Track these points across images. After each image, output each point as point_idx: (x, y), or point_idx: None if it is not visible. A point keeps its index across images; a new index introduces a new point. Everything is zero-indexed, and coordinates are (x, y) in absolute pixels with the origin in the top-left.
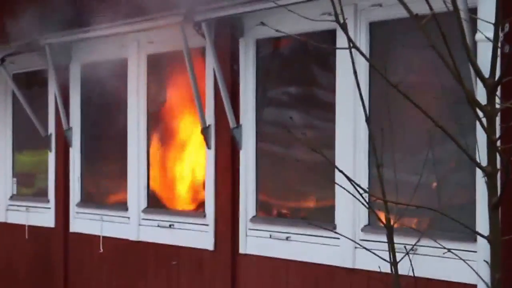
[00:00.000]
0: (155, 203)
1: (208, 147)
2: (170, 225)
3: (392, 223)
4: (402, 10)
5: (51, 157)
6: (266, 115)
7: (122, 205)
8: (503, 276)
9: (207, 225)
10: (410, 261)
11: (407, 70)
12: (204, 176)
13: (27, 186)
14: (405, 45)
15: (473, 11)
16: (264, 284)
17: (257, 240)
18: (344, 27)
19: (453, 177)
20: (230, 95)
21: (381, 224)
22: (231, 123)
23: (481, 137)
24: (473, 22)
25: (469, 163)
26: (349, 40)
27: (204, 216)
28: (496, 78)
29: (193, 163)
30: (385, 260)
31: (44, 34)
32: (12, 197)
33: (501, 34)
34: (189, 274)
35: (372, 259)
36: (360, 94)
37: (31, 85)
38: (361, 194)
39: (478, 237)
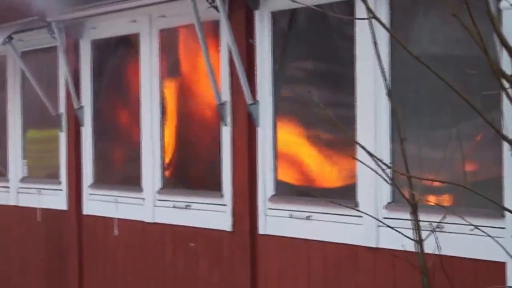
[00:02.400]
0: (171, 184)
1: (224, 124)
2: (186, 206)
3: (416, 199)
4: None
5: (62, 137)
6: (284, 91)
7: (137, 186)
8: None
9: (224, 205)
10: (436, 239)
11: (429, 41)
12: (220, 154)
13: (38, 167)
14: (427, 14)
15: None
16: (284, 265)
17: (277, 220)
18: None
19: (479, 151)
20: (246, 70)
21: (405, 201)
22: (248, 99)
23: (508, 109)
24: None
25: (495, 136)
26: (368, 10)
27: (221, 196)
28: None
29: (209, 141)
30: (409, 238)
31: (52, 10)
32: (23, 180)
33: None
34: (207, 255)
35: (396, 238)
36: (381, 66)
37: (40, 63)
38: (383, 170)
39: (506, 213)
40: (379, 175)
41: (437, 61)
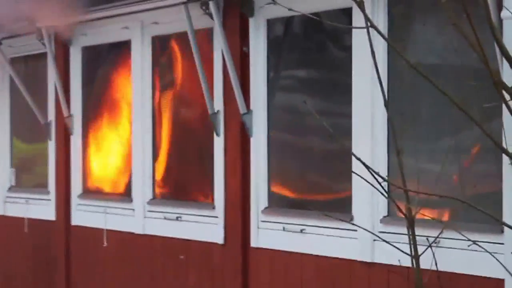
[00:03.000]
0: (161, 194)
1: (217, 134)
2: (177, 218)
3: (413, 213)
4: None
5: (51, 146)
6: (278, 100)
7: (127, 197)
8: None
9: (216, 217)
10: (433, 254)
11: (427, 51)
12: (213, 165)
13: (26, 176)
14: (426, 24)
15: None
16: (277, 280)
17: (270, 233)
18: (361, 5)
19: (478, 164)
20: (240, 79)
21: (402, 215)
22: (241, 108)
23: (508, 121)
24: None
25: (494, 149)
26: (367, 18)
27: (213, 207)
28: None
29: (201, 151)
30: (405, 253)
31: (42, 16)
32: (10, 189)
33: None
34: (198, 268)
35: (392, 252)
36: (378, 76)
37: (29, 69)
38: (380, 183)
39: (505, 228)
40: (375, 188)
41: (435, 70)
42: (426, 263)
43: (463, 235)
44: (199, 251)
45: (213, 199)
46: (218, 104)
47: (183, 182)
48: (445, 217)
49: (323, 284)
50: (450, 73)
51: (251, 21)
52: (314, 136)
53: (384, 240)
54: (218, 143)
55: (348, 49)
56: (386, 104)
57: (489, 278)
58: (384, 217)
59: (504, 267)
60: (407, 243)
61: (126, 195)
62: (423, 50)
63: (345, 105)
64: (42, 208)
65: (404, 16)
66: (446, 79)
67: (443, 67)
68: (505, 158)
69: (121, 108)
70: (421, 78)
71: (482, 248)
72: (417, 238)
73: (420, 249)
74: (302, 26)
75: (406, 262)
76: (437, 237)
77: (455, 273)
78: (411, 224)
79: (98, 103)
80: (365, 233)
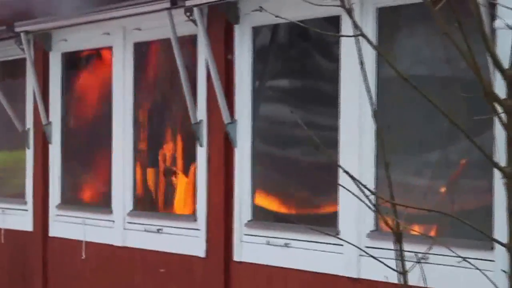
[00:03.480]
0: (142, 206)
1: (200, 144)
2: (158, 230)
3: (401, 228)
4: None
5: (29, 155)
6: (264, 110)
7: (106, 208)
8: None
9: (198, 229)
10: (421, 270)
11: (417, 60)
12: (195, 176)
13: (3, 186)
14: (416, 33)
15: None
16: None
17: (253, 247)
18: (350, 13)
19: (467, 178)
20: (224, 87)
21: (389, 230)
22: (225, 118)
23: (500, 134)
24: (492, 7)
25: (485, 163)
26: (356, 26)
27: (195, 220)
28: None
29: (184, 162)
30: (393, 269)
31: (21, 20)
32: None
33: None
34: (179, 283)
35: (378, 268)
36: (367, 87)
37: (7, 75)
38: (367, 196)
39: (496, 245)
40: (362, 201)
41: (424, 81)
42: (414, 279)
43: (452, 251)
44: (180, 264)
45: (195, 212)
46: (201, 113)
47: (164, 193)
48: (434, 233)
49: None
50: (440, 84)
51: (236, 28)
52: (300, 147)
53: (370, 256)
54: (201, 153)
55: (335, 58)
56: (375, 116)
57: None
58: (371, 231)
59: (494, 285)
60: (394, 259)
61: (105, 206)
62: (412, 59)
63: (332, 116)
64: (19, 219)
65: (394, 25)
66: (436, 90)
67: (432, 77)
68: (496, 172)
69: (102, 116)
70: (411, 89)
71: (472, 265)
72: (405, 253)
73: (408, 265)
74: (288, 34)
75: (394, 278)
76: (426, 253)
77: None
78: (399, 239)
79: (78, 111)
80: (351, 248)
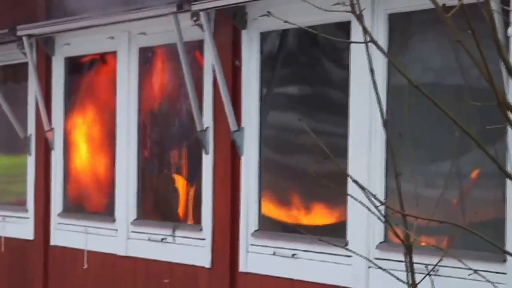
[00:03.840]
0: (146, 215)
1: (206, 152)
2: (162, 239)
3: (411, 239)
4: (425, 0)
5: (31, 161)
6: (271, 118)
7: (109, 216)
8: None
9: (203, 239)
10: (432, 283)
11: (428, 68)
12: (200, 184)
13: (3, 193)
14: (428, 40)
15: (505, 2)
16: None
17: (259, 257)
18: (360, 18)
19: (479, 189)
20: (231, 94)
21: (399, 241)
22: (232, 125)
23: None
24: (505, 14)
25: (498, 173)
26: (366, 32)
27: (200, 229)
28: None
29: (189, 170)
30: (402, 281)
31: (23, 23)
32: None
33: None
34: None
35: (387, 280)
36: (377, 94)
37: (8, 80)
38: (376, 207)
39: (508, 257)
40: (372, 212)
41: (436, 89)
42: None
43: (463, 263)
44: (184, 275)
45: (200, 221)
46: (207, 120)
47: (169, 202)
48: (445, 245)
49: None
50: (451, 92)
51: (244, 33)
52: (308, 156)
53: (380, 267)
54: (207, 161)
55: (345, 65)
56: (385, 124)
57: None
58: (381, 243)
59: None
60: (404, 271)
61: (108, 214)
62: (423, 67)
63: (342, 124)
64: (20, 227)
65: (405, 32)
66: (447, 98)
67: (444, 85)
68: (509, 183)
69: (106, 122)
70: (422, 97)
71: (483, 277)
72: (415, 265)
73: (418, 277)
74: (297, 40)
75: None
76: (436, 265)
77: None
78: (409, 250)
79: (81, 117)
80: (360, 260)
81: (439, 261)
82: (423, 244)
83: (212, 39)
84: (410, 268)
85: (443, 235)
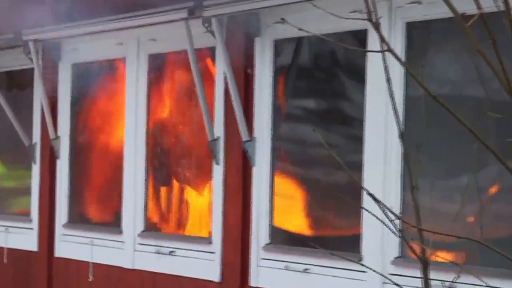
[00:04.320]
0: (154, 226)
1: (216, 162)
2: (170, 252)
3: (427, 255)
4: (444, 9)
5: (35, 170)
6: (284, 128)
7: (116, 228)
8: None
9: (213, 253)
10: None
11: (447, 78)
12: (211, 195)
13: (7, 202)
14: (446, 49)
15: None
16: None
17: (271, 272)
18: (377, 27)
19: (499, 204)
20: (243, 103)
21: (415, 257)
22: (243, 135)
23: None
24: None
25: None
26: (383, 41)
27: (210, 242)
28: None
29: (199, 180)
30: None
31: (29, 28)
32: None
33: None
34: None
35: None
36: (394, 105)
37: (14, 86)
38: (392, 221)
39: None
40: (387, 226)
41: (456, 100)
42: None
43: (481, 280)
44: None
45: (210, 233)
46: (218, 130)
47: (178, 213)
48: (462, 261)
49: None
50: (470, 103)
51: (257, 41)
52: (321, 168)
53: (395, 283)
54: (217, 172)
55: (361, 75)
56: (401, 136)
57: None
58: (396, 258)
59: None
60: (419, 287)
61: (115, 226)
62: (442, 77)
63: (357, 136)
64: (24, 238)
65: (423, 40)
66: (466, 109)
67: (462, 96)
68: None
69: (113, 130)
70: (441, 109)
71: None
72: (431, 282)
73: None
74: (312, 48)
75: None
76: (453, 281)
77: None
78: (425, 266)
79: (88, 125)
80: (374, 275)
81: (456, 278)
82: (440, 259)
83: (224, 46)
84: (426, 285)
85: (460, 251)
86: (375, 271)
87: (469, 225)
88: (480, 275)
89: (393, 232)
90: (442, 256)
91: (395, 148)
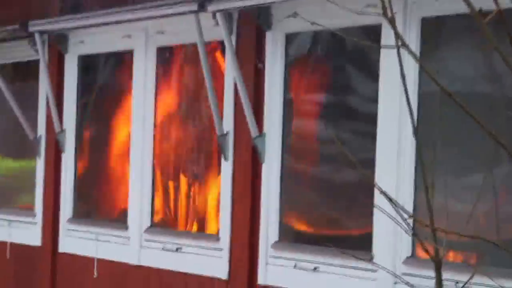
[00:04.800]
0: (160, 222)
1: (225, 158)
2: (177, 249)
3: (441, 255)
4: (460, 5)
5: (40, 164)
6: (295, 123)
7: (122, 223)
8: None
9: (220, 249)
10: None
11: (462, 75)
12: (219, 192)
13: (10, 196)
14: (462, 46)
15: None
16: None
17: (279, 270)
18: (392, 22)
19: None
20: (253, 98)
21: (427, 256)
22: (253, 131)
23: None
24: None
25: None
26: (398, 37)
27: (218, 239)
28: None
29: (207, 176)
30: None
31: (36, 19)
32: None
33: None
34: None
35: None
36: (408, 101)
37: (19, 78)
38: (404, 220)
39: None
40: (399, 225)
41: (471, 97)
42: None
43: (494, 281)
44: (200, 286)
45: (217, 230)
46: (227, 124)
47: (185, 209)
48: (475, 261)
49: None
50: (485, 101)
51: (268, 34)
52: (333, 165)
53: (407, 283)
54: (226, 167)
55: (374, 71)
56: (415, 133)
57: None
58: (408, 257)
59: None
60: None
61: (121, 221)
62: (457, 74)
63: (369, 133)
64: (27, 232)
65: (438, 36)
66: (481, 107)
67: (477, 93)
68: None
69: (120, 124)
70: (455, 106)
71: None
72: (444, 282)
73: None
74: (324, 43)
75: None
76: (467, 282)
77: None
78: (438, 266)
79: (94, 118)
80: (386, 275)
81: (470, 278)
82: (453, 260)
83: (233, 40)
84: (439, 285)
85: (474, 251)
86: (386, 270)
87: (484, 225)
88: (495, 277)
89: (405, 231)
90: (456, 256)
91: (409, 145)
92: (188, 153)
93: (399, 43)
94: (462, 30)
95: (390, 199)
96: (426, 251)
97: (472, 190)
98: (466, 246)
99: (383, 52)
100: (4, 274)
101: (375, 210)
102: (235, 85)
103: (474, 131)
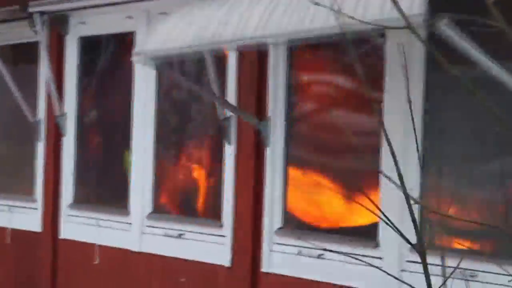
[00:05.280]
0: (162, 208)
1: (228, 142)
2: (179, 235)
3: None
4: None
5: (40, 148)
6: (301, 108)
7: (123, 209)
8: None
9: (223, 236)
10: None
11: (470, 60)
12: (222, 176)
13: (10, 181)
14: (471, 32)
15: None
16: None
17: (283, 257)
18: (396, 3)
19: None
20: (257, 80)
21: (433, 244)
22: (256, 115)
23: None
24: None
25: None
26: (404, 17)
27: (221, 225)
28: None
29: (210, 161)
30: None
31: (35, 0)
32: None
33: None
34: None
35: (420, 284)
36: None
37: (18, 60)
38: (410, 206)
39: None
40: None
41: (478, 83)
42: None
43: (503, 269)
44: (202, 273)
45: (220, 216)
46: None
47: (187, 195)
48: (484, 249)
49: None
50: (496, 87)
51: None
52: (338, 151)
53: (412, 271)
54: (229, 152)
55: (380, 56)
56: (409, 102)
57: None
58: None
59: None
60: (437, 275)
61: (122, 206)
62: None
63: (375, 119)
64: (27, 218)
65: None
66: (490, 92)
67: (488, 78)
68: None
69: (121, 107)
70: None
71: None
72: (452, 270)
73: (454, 282)
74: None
75: None
76: (474, 270)
77: None
78: (423, 256)
79: (95, 101)
80: (391, 262)
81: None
82: (461, 247)
83: None
84: (426, 273)
85: (483, 239)
86: (391, 257)
87: (495, 212)
88: (503, 264)
89: (412, 219)
90: (465, 243)
91: (414, 131)
92: (190, 137)
93: (405, 25)
94: (472, 10)
95: (396, 185)
96: (408, 242)
97: (483, 177)
98: (476, 234)
99: (388, 33)
100: (5, 259)
101: (381, 197)
102: (238, 67)
103: (485, 117)
